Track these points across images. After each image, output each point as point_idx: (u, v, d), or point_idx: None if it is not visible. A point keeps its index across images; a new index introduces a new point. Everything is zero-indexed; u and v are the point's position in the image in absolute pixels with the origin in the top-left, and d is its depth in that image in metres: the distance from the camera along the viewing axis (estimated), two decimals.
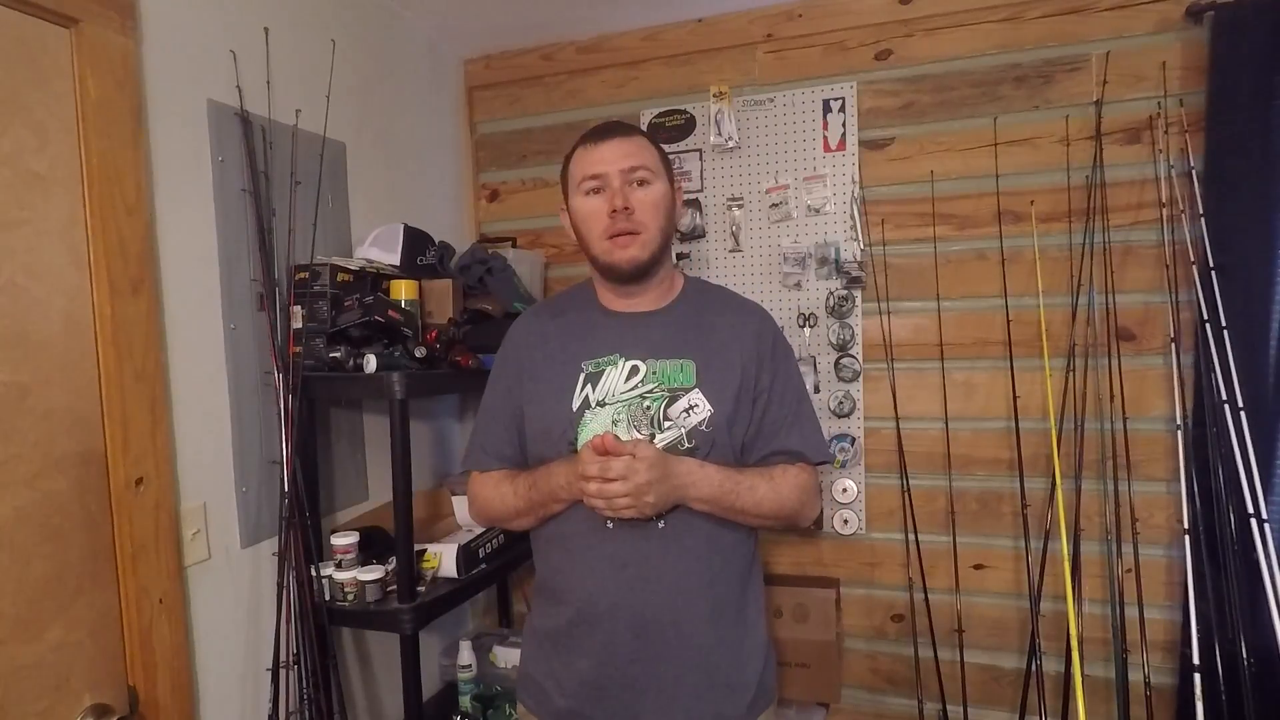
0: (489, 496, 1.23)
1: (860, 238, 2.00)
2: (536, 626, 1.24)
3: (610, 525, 1.11)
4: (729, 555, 1.16)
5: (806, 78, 2.04)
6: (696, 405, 1.11)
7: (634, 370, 1.14)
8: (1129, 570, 1.74)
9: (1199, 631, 1.62)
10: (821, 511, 2.07)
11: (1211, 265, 1.64)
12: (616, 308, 1.21)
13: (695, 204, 2.14)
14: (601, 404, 1.13)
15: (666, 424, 1.11)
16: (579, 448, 1.11)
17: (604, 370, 1.15)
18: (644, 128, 2.17)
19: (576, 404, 1.14)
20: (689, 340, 1.16)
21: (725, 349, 1.16)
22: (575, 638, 1.15)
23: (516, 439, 1.23)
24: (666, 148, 2.12)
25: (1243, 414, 1.56)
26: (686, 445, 1.11)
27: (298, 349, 1.48)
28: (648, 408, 1.12)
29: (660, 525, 1.10)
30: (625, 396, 1.13)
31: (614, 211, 1.11)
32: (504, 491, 1.20)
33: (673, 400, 1.12)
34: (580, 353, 1.18)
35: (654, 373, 1.14)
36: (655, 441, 1.10)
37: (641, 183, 1.13)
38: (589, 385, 1.15)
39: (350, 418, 1.80)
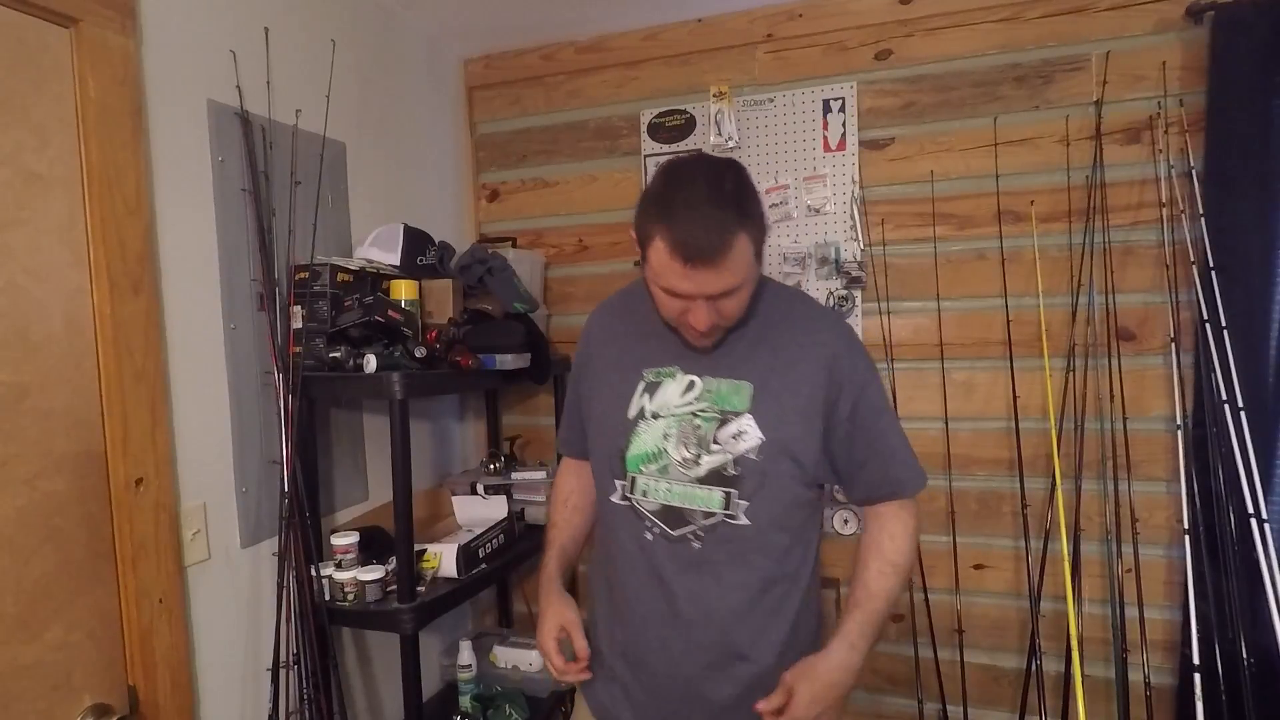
0: (554, 491, 1.36)
1: (860, 238, 2.00)
2: (594, 608, 1.27)
3: (649, 537, 1.10)
4: (772, 574, 1.10)
5: (806, 78, 2.04)
6: (746, 432, 1.06)
7: (690, 385, 1.10)
8: (1129, 570, 1.74)
9: (1199, 631, 1.62)
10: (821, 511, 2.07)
11: (1211, 265, 1.64)
12: None
13: None
14: (656, 416, 1.11)
15: (715, 447, 1.07)
16: (627, 458, 1.11)
17: (663, 381, 1.12)
18: (644, 128, 2.17)
19: (633, 413, 1.12)
20: (752, 360, 1.09)
21: (791, 371, 1.08)
22: (615, 625, 1.18)
23: (585, 431, 1.27)
24: (666, 148, 2.15)
25: (1243, 414, 1.56)
26: (732, 471, 1.06)
27: (298, 349, 1.48)
28: (698, 427, 1.08)
29: (696, 546, 1.08)
30: (678, 411, 1.10)
31: (691, 328, 1.03)
32: (554, 507, 1.34)
33: (724, 423, 1.07)
34: (644, 359, 1.14)
35: (709, 391, 1.09)
36: (701, 463, 1.07)
37: (729, 295, 1.00)
38: (647, 395, 1.12)
39: (350, 418, 1.80)
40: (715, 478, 1.07)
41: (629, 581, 1.14)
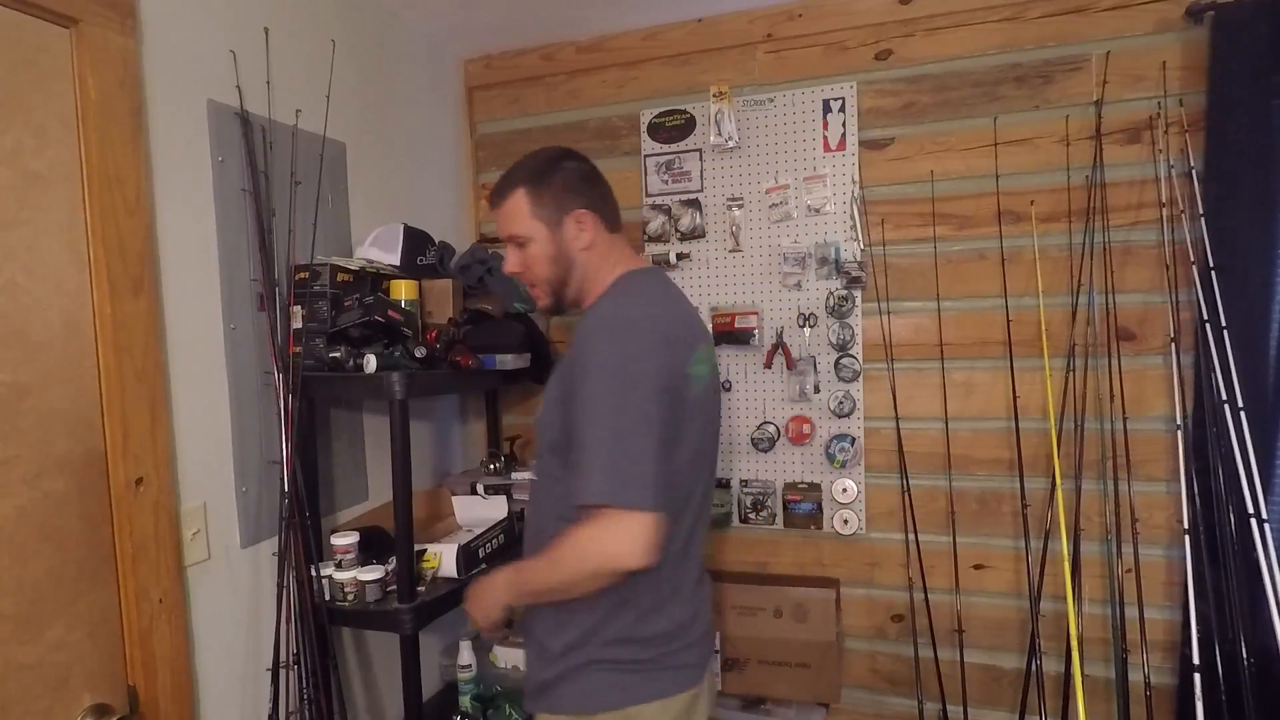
0: None
1: (860, 238, 2.00)
2: None
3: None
4: (550, 529, 1.16)
5: (806, 78, 2.04)
6: (539, 405, 1.24)
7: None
8: (1129, 570, 1.74)
9: (1199, 631, 1.62)
10: (821, 511, 2.07)
11: (1211, 265, 1.64)
12: None
13: (695, 204, 2.14)
14: None
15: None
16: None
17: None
18: (644, 128, 2.18)
19: None
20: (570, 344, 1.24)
21: (562, 361, 1.20)
22: None
23: None
24: (666, 148, 2.16)
25: (1243, 414, 1.56)
26: (538, 436, 1.24)
27: (298, 349, 1.48)
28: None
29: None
30: None
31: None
32: None
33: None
34: None
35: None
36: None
37: (520, 245, 1.23)
38: None
39: (350, 418, 1.80)
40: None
41: None
